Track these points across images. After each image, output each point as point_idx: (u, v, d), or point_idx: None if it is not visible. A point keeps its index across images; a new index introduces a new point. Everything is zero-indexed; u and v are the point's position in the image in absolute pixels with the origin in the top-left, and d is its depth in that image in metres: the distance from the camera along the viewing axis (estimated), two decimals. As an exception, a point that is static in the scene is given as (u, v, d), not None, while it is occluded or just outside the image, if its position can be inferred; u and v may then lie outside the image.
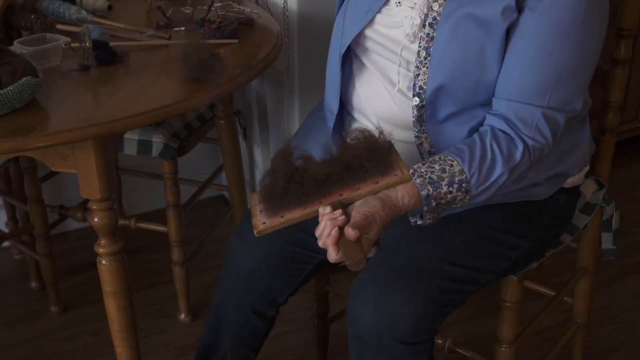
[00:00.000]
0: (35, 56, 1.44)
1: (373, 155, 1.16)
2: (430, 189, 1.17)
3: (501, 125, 1.23)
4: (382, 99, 1.35)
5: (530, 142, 1.23)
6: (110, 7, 1.75)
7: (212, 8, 1.72)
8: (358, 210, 1.13)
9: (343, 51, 1.37)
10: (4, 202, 2.30)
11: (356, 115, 1.41)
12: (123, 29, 1.66)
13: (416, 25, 1.28)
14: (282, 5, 1.96)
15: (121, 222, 2.04)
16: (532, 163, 1.27)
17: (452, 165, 1.19)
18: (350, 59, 1.40)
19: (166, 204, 1.98)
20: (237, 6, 1.82)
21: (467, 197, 1.21)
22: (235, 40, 1.63)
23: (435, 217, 1.21)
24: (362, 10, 1.34)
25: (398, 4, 1.31)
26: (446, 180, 1.18)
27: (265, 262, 1.46)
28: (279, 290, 1.50)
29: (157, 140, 1.89)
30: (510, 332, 1.50)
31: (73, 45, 1.49)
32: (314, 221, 1.16)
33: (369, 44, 1.35)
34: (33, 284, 2.25)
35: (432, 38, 1.26)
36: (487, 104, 1.27)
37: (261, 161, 2.36)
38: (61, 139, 1.25)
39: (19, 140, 1.23)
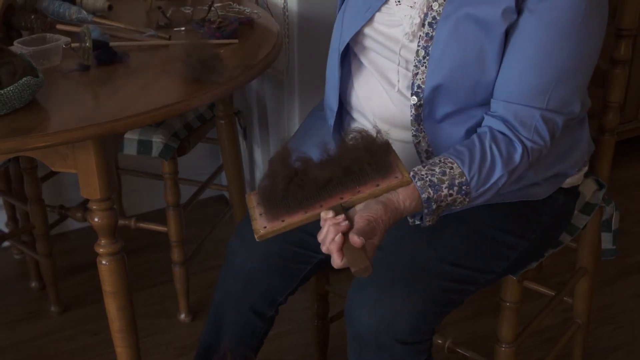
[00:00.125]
0: (36, 56, 1.44)
1: (372, 157, 1.16)
2: (431, 192, 1.17)
3: (500, 127, 1.23)
4: (380, 99, 1.35)
5: (529, 143, 1.23)
6: (110, 7, 1.75)
7: (212, 8, 1.72)
8: (361, 216, 1.13)
9: (342, 49, 1.37)
10: (4, 202, 2.30)
11: (355, 114, 1.41)
12: (123, 29, 1.66)
13: (415, 24, 1.28)
14: (282, 5, 1.96)
15: (121, 222, 2.04)
16: (531, 164, 1.27)
17: (452, 168, 1.19)
18: (350, 58, 1.40)
19: (166, 204, 1.98)
20: (237, 6, 1.82)
21: (467, 200, 1.21)
22: (235, 40, 1.63)
23: (435, 219, 1.21)
24: (362, 9, 1.34)
25: (398, 3, 1.31)
26: (446, 182, 1.18)
27: (265, 262, 1.46)
28: (279, 290, 1.51)
29: (157, 140, 1.89)
30: (510, 332, 1.50)
31: (73, 45, 1.49)
32: (314, 222, 1.16)
33: (368, 43, 1.35)
34: (33, 284, 2.25)
35: (431, 37, 1.26)
36: (485, 104, 1.27)
37: (261, 161, 2.36)
38: (61, 139, 1.25)
39: (19, 140, 1.23)
